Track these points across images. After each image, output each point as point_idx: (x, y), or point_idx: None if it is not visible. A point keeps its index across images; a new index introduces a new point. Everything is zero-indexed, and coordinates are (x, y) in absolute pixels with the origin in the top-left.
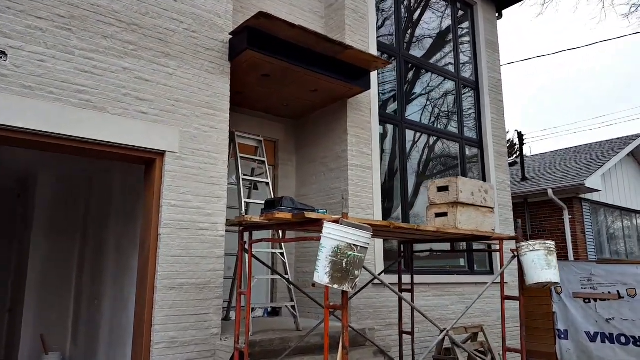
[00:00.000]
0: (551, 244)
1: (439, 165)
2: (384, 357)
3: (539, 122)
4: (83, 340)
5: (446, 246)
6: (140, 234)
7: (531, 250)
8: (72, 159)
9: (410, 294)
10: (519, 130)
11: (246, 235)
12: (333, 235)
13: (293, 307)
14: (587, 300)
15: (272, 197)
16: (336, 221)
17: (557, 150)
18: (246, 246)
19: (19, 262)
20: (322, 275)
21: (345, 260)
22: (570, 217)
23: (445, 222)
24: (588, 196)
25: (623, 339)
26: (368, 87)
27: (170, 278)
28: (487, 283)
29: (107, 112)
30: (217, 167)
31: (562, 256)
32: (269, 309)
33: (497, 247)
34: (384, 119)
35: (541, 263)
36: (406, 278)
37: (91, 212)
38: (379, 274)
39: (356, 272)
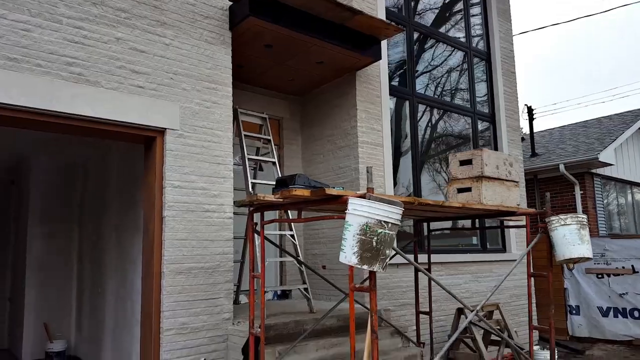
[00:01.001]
0: (583, 217)
1: (445, 143)
2: (401, 338)
3: (548, 96)
4: (87, 327)
5: (457, 224)
6: (144, 217)
7: (562, 225)
8: (66, 144)
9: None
10: (528, 105)
11: (256, 216)
12: (361, 212)
13: (306, 289)
14: (600, 276)
15: (281, 176)
16: (362, 197)
17: (564, 126)
18: (257, 227)
19: (16, 251)
20: (349, 255)
21: (376, 238)
22: (581, 192)
23: (468, 198)
24: (600, 171)
25: (636, 313)
26: (379, 57)
27: (177, 262)
28: (500, 261)
29: (100, 87)
30: (221, 146)
31: None
32: (279, 292)
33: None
34: (393, 93)
35: (573, 238)
36: (420, 258)
37: (90, 199)
38: (394, 255)
39: (387, 252)
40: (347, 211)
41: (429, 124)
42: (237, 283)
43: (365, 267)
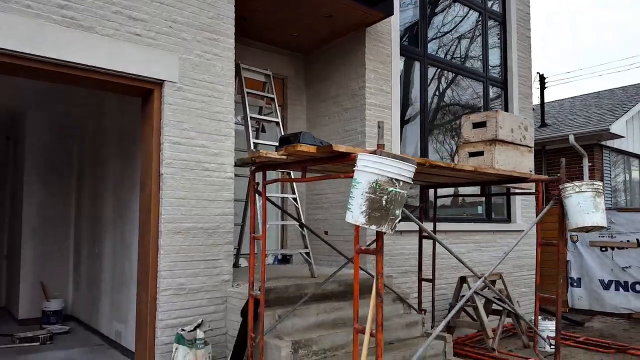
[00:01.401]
0: (599, 184)
1: (452, 112)
2: (402, 304)
3: (562, 65)
4: (85, 286)
5: (462, 192)
6: (140, 174)
7: (577, 192)
8: (63, 99)
9: (431, 241)
10: (540, 73)
11: (258, 176)
12: (371, 169)
13: (307, 254)
14: (603, 249)
15: (285, 134)
16: (373, 153)
17: (576, 96)
18: (259, 188)
19: (13, 208)
20: (356, 214)
21: (385, 197)
22: (590, 164)
23: (480, 162)
24: (609, 143)
25: (638, 287)
26: (390, 13)
27: (175, 222)
28: (504, 231)
29: (95, 33)
30: (222, 101)
31: None
32: (279, 257)
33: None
34: (403, 53)
35: (588, 205)
36: (425, 226)
37: (87, 155)
38: (398, 221)
39: (397, 212)
40: (355, 168)
41: (438, 90)
42: (237, 246)
43: (373, 227)
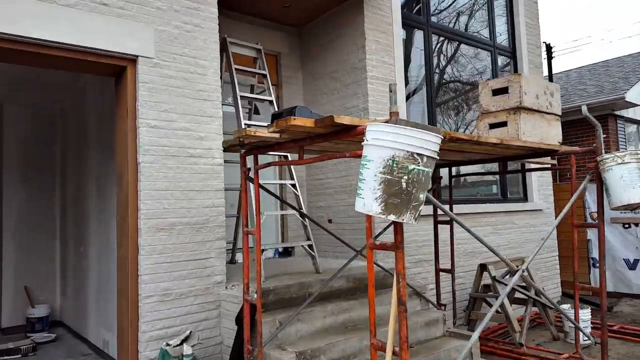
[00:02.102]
0: None
1: (453, 90)
2: (419, 299)
3: (568, 32)
4: (72, 290)
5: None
6: (117, 165)
7: (619, 164)
8: (40, 88)
9: (448, 225)
10: (547, 42)
11: (249, 160)
12: (385, 142)
13: (310, 246)
14: (626, 226)
15: (278, 110)
16: (386, 122)
17: (583, 66)
18: (251, 173)
19: None
20: (369, 202)
21: (406, 177)
22: (604, 136)
23: (504, 134)
24: (623, 112)
25: None
26: None
27: (157, 217)
28: (521, 211)
29: (53, 2)
30: (206, 78)
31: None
32: (280, 249)
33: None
34: (405, 22)
35: (633, 179)
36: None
37: (71, 148)
38: (421, 208)
39: (421, 196)
40: (365, 142)
41: (442, 62)
42: (233, 240)
43: (391, 217)
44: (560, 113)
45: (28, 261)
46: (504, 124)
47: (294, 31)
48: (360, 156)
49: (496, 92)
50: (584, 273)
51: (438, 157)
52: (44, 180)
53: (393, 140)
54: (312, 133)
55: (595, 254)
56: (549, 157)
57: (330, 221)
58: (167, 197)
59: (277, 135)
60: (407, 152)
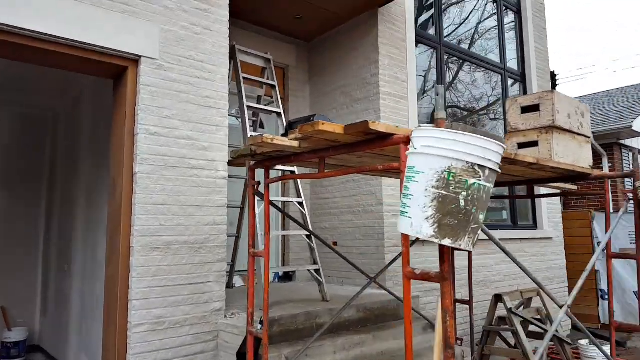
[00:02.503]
0: None
1: (465, 111)
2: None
3: (573, 61)
4: (53, 312)
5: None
6: (111, 174)
7: None
8: (31, 91)
9: (466, 252)
10: (551, 70)
11: (259, 174)
12: (439, 150)
13: (317, 271)
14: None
15: (294, 119)
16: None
17: (585, 95)
18: (260, 188)
19: None
20: (417, 222)
21: (464, 193)
22: (609, 165)
23: (535, 154)
24: (627, 142)
25: None
26: None
27: (152, 234)
28: (531, 239)
29: None
30: (213, 84)
31: (601, 209)
32: (280, 273)
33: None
34: (419, 40)
35: None
36: None
37: (61, 156)
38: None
39: (480, 217)
40: (411, 152)
41: (457, 84)
42: (231, 262)
43: (447, 241)
44: (590, 135)
45: (7, 278)
46: (534, 144)
47: (303, 44)
48: (396, 169)
49: (525, 109)
50: (592, 305)
51: (500, 171)
52: (29, 189)
53: (449, 149)
54: (336, 142)
55: (603, 285)
56: (569, 182)
57: (335, 244)
58: (164, 213)
59: (296, 144)
60: (467, 162)
